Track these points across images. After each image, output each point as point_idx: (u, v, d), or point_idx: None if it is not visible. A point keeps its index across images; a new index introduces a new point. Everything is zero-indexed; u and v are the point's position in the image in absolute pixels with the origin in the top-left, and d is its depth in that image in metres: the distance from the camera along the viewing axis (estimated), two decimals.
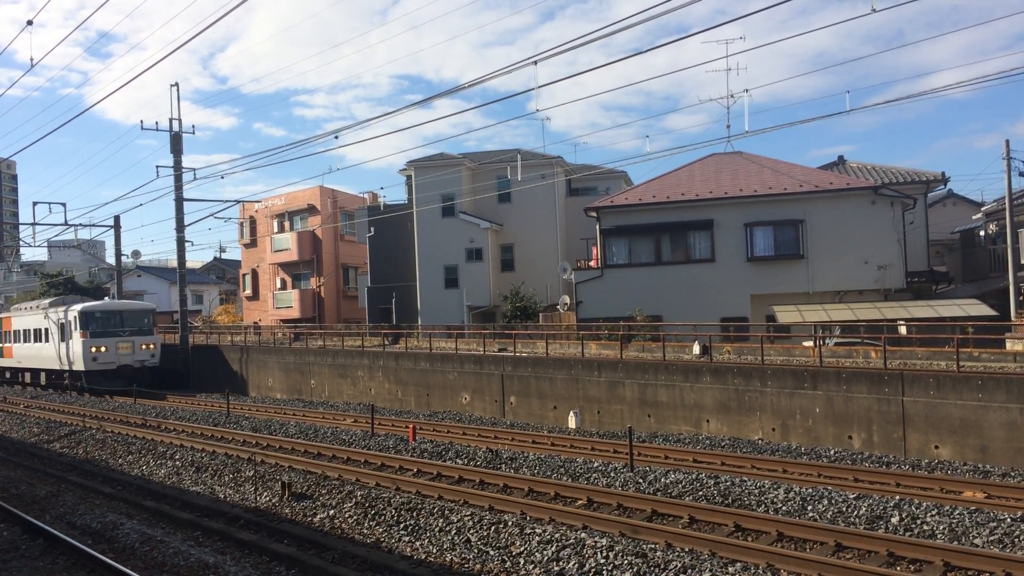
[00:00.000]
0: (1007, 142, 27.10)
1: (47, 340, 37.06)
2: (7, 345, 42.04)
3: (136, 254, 48.34)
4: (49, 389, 37.45)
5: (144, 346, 35.02)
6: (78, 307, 34.67)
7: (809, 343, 21.84)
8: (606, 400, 21.34)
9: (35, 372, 39.60)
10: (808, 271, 28.57)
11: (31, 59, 23.29)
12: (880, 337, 18.99)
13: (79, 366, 34.13)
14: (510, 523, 10.74)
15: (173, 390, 35.61)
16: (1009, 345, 20.40)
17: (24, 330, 39.74)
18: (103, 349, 33.83)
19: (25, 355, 39.91)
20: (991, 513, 10.48)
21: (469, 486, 13.60)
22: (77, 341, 33.94)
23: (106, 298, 39.95)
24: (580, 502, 12.22)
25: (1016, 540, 9.57)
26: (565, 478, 13.87)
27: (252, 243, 51.30)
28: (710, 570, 8.73)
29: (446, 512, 11.49)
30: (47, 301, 39.51)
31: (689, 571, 8.75)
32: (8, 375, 43.27)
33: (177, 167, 35.90)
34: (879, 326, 22.33)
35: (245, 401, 31.43)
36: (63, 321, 35.24)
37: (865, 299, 27.49)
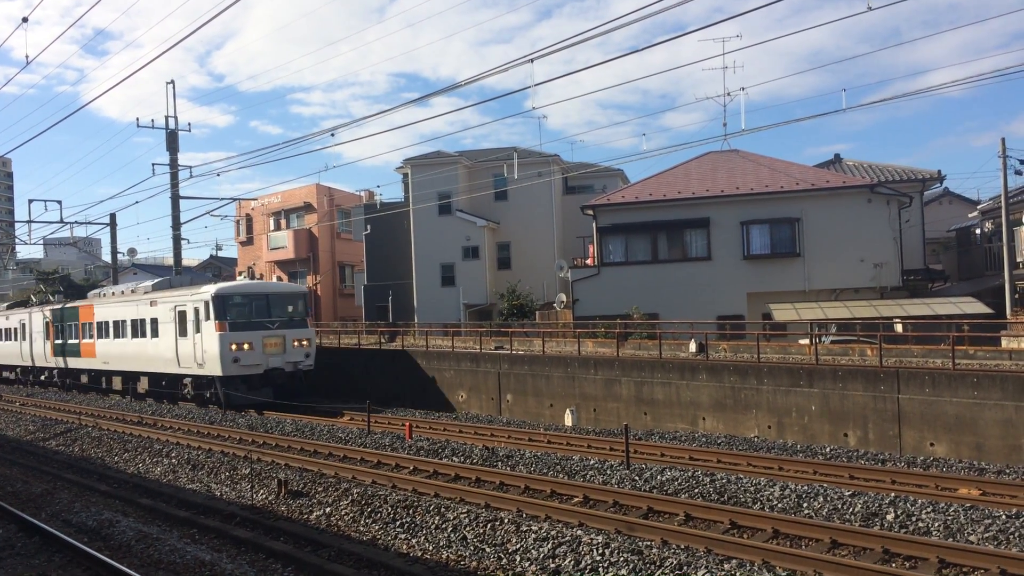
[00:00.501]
0: (1003, 140, 27.17)
1: (154, 334, 27.88)
2: (87, 341, 32.78)
3: (132, 252, 48.22)
4: (148, 399, 29.31)
5: (297, 342, 25.69)
6: (210, 289, 25.51)
7: (805, 341, 21.86)
8: (602, 398, 21.36)
9: (130, 376, 30.33)
10: (804, 269, 28.62)
11: (26, 56, 23.24)
12: (876, 335, 19.02)
13: (213, 370, 24.90)
14: (506, 520, 10.75)
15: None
16: (1004, 343, 20.47)
17: (116, 322, 30.49)
18: (247, 347, 24.61)
19: (116, 354, 30.65)
20: (986, 510, 10.50)
21: (465, 483, 13.60)
22: (211, 336, 24.73)
23: (241, 277, 28.91)
24: (576, 499, 12.22)
25: (1011, 537, 9.60)
26: (561, 476, 13.88)
27: (248, 241, 51.28)
28: (706, 567, 8.74)
29: (442, 509, 11.49)
30: (150, 283, 30.69)
31: (685, 568, 8.76)
32: (85, 379, 33.71)
33: (173, 165, 35.80)
34: (875, 324, 22.38)
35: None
36: (183, 308, 26.22)
37: (861, 297, 27.56)
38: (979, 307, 24.39)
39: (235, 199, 42.11)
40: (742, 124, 43.89)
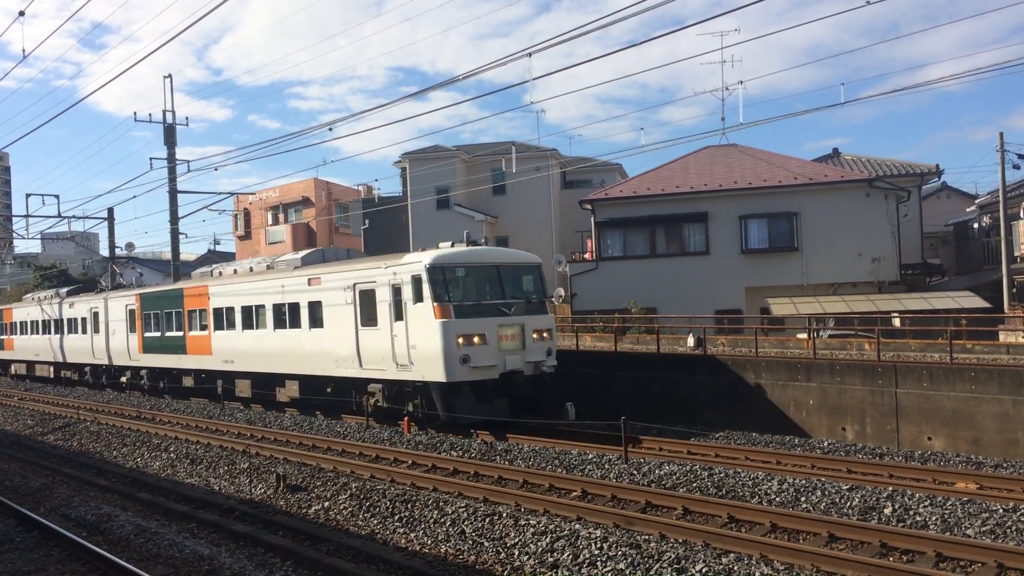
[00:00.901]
0: (1001, 135, 27.24)
1: (314, 323, 20.51)
2: (196, 334, 25.41)
3: (130, 246, 48.11)
4: (285, 411, 22.54)
5: (537, 334, 18.15)
6: (423, 258, 17.74)
7: (803, 335, 21.89)
8: (600, 392, 21.34)
9: (266, 380, 22.72)
10: (802, 263, 28.65)
11: (23, 50, 23.18)
12: (874, 329, 19.03)
13: (428, 373, 17.28)
14: (505, 515, 10.76)
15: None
16: (1002, 337, 20.50)
17: (246, 307, 23.04)
18: (477, 341, 17.05)
19: (246, 350, 23.14)
20: (983, 504, 10.52)
21: (464, 478, 13.61)
22: (426, 324, 17.15)
23: (446, 245, 19.17)
24: (575, 494, 12.24)
25: (1008, 531, 9.61)
26: (560, 470, 13.89)
27: (246, 235, 51.21)
28: (704, 560, 8.76)
29: (441, 504, 11.50)
30: (295, 255, 23.45)
31: (683, 562, 8.77)
32: (190, 382, 26.35)
33: (171, 159, 35.74)
34: (873, 318, 22.38)
35: None
36: (368, 286, 18.83)
37: (859, 291, 27.57)
38: (977, 301, 24.42)
39: (233, 193, 42.07)
40: (740, 118, 44.08)
